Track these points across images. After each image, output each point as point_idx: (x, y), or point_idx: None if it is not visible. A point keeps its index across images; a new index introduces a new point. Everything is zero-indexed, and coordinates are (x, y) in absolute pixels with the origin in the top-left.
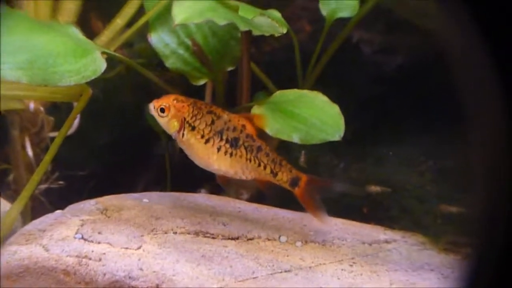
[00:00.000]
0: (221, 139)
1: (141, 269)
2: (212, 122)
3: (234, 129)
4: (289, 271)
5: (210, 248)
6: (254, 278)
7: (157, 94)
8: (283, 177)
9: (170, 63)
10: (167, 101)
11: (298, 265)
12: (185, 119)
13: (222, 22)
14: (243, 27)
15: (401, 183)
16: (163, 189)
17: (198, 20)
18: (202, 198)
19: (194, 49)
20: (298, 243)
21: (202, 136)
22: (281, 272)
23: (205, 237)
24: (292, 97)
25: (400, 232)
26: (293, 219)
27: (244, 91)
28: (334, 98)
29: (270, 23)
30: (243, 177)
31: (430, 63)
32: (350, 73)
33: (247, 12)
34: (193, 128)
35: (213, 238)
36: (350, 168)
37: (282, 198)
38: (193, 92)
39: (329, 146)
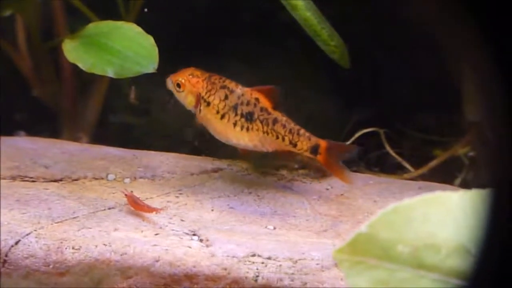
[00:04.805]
0: (236, 114)
1: None
2: (226, 97)
3: (248, 103)
4: (113, 208)
5: (28, 192)
6: (74, 218)
7: None
8: (303, 146)
9: None
10: (183, 76)
11: (123, 201)
12: (200, 94)
13: None
14: None
15: None
16: None
17: None
18: (22, 141)
19: None
20: (127, 180)
21: (218, 112)
22: (104, 210)
23: (23, 181)
24: (106, 29)
25: (227, 161)
26: (124, 156)
27: (60, 24)
28: (150, 30)
29: None
30: (264, 150)
31: None
32: (168, 4)
33: None
34: (208, 104)
35: (33, 181)
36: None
37: None
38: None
39: (159, 80)
